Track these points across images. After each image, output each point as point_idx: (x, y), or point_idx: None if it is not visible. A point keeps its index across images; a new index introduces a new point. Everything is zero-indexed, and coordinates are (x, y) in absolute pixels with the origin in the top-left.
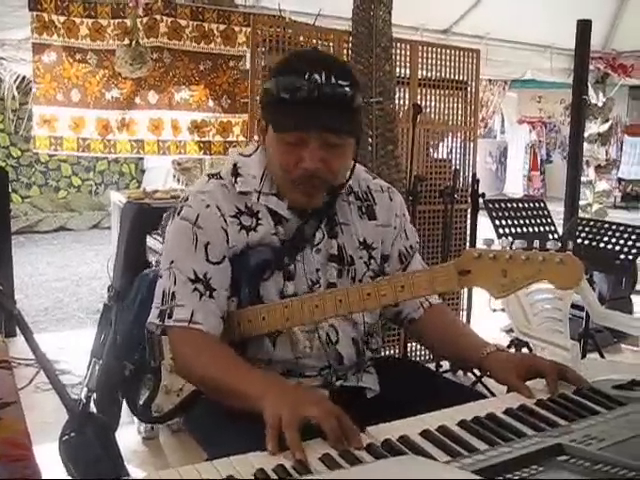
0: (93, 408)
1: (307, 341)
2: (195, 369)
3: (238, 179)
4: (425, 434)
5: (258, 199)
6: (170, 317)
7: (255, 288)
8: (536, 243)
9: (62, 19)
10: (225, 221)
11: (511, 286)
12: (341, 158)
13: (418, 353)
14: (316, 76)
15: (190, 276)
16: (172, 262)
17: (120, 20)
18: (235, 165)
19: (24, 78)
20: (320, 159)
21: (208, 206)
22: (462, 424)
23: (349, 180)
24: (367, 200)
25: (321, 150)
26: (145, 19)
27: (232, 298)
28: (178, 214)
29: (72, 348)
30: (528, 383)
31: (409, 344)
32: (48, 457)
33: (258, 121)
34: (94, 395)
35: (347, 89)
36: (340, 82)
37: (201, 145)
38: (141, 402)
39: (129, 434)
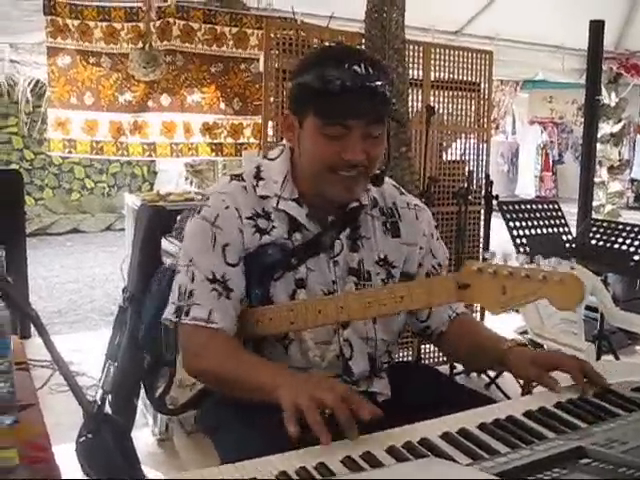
0: (108, 410)
1: (318, 351)
2: (207, 364)
3: (260, 182)
4: (446, 437)
5: (277, 204)
6: (187, 315)
7: (266, 289)
8: (545, 261)
9: (76, 23)
10: (242, 222)
11: (509, 303)
12: (379, 147)
13: (432, 355)
14: (356, 67)
15: (208, 276)
16: (190, 260)
17: (134, 24)
18: (258, 168)
19: (38, 81)
20: (362, 150)
21: (227, 207)
22: (482, 426)
23: (382, 173)
24: (392, 216)
25: (362, 141)
26: (158, 22)
27: (242, 301)
28: (198, 213)
29: (86, 350)
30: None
31: (423, 347)
32: (64, 458)
33: (285, 118)
34: (109, 397)
35: (383, 79)
36: (376, 72)
37: (213, 147)
38: (157, 394)
39: (143, 435)
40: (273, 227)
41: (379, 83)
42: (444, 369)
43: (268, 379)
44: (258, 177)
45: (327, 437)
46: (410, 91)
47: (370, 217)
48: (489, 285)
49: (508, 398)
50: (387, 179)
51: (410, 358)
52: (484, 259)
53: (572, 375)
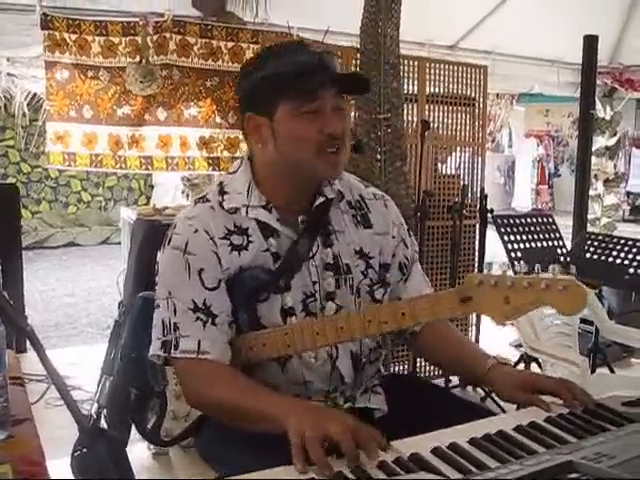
0: (104, 424)
1: (312, 352)
2: (210, 397)
3: (225, 197)
4: (436, 451)
5: (247, 213)
6: (176, 348)
7: (253, 312)
8: (537, 267)
9: (74, 37)
10: (215, 244)
11: (514, 312)
12: (348, 120)
13: (428, 369)
14: (309, 50)
15: (190, 305)
16: (170, 293)
17: (131, 38)
18: (221, 184)
19: (34, 95)
20: (338, 122)
21: (196, 231)
22: (473, 441)
23: None
24: (361, 209)
25: (335, 114)
26: (155, 37)
27: (231, 324)
28: (169, 243)
29: (82, 364)
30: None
31: (419, 360)
32: (59, 473)
33: (248, 120)
34: (105, 411)
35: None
36: (328, 53)
37: (209, 161)
38: (149, 426)
39: (139, 450)
40: (249, 242)
41: (334, 59)
42: (439, 382)
43: (276, 409)
44: (222, 192)
45: (329, 470)
46: (405, 106)
47: (340, 211)
48: (491, 296)
49: (504, 412)
50: (348, 174)
51: (405, 372)
52: (480, 269)
53: (561, 396)
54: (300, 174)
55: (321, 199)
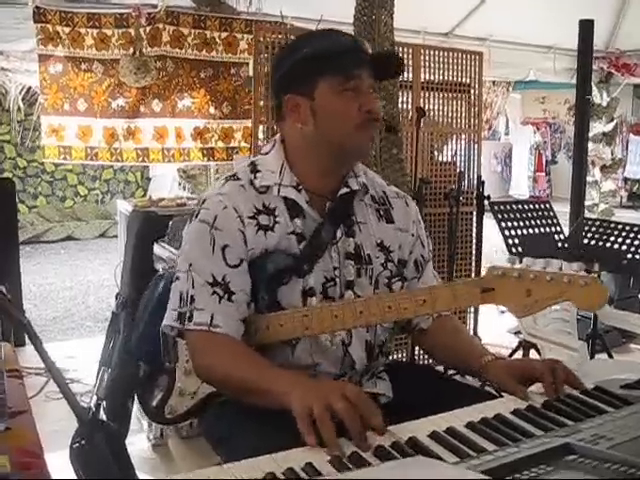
0: (103, 416)
1: (328, 335)
2: (217, 370)
3: (257, 175)
4: (433, 436)
5: (278, 192)
6: (190, 320)
7: (273, 293)
8: (561, 263)
9: (67, 30)
10: (242, 222)
11: (534, 306)
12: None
13: (426, 357)
14: (345, 33)
15: (208, 280)
16: (190, 265)
17: (124, 30)
18: (253, 163)
19: (29, 89)
20: (375, 101)
21: (225, 207)
22: (470, 425)
23: None
24: (384, 204)
25: (371, 94)
26: (148, 28)
27: (249, 303)
28: (196, 217)
29: (81, 357)
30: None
31: (417, 348)
32: (58, 465)
33: (287, 101)
34: (104, 403)
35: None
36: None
37: (204, 152)
38: (154, 403)
39: (139, 441)
40: (276, 222)
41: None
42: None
43: (276, 385)
44: (255, 171)
45: (338, 448)
46: (400, 93)
47: (364, 204)
48: (514, 288)
49: (501, 396)
50: (372, 172)
51: (404, 360)
52: (478, 257)
53: (543, 384)
54: (338, 152)
55: (345, 189)
